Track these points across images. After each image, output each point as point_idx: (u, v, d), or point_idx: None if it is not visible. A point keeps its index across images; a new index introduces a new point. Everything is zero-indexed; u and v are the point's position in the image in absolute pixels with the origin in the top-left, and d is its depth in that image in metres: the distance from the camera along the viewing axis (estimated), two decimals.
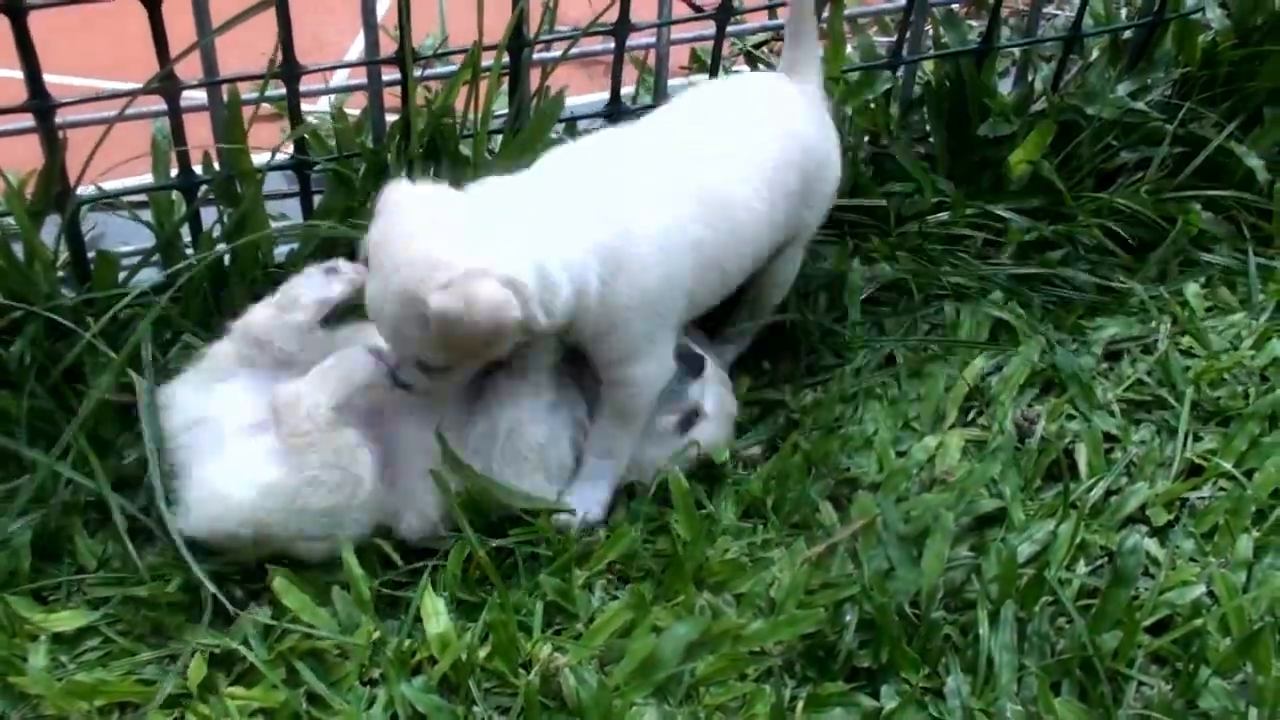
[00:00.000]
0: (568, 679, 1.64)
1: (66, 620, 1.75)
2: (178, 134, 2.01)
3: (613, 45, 2.28)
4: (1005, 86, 2.60)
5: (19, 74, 1.85)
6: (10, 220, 1.96)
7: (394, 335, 1.71)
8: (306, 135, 2.15)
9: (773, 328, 2.20)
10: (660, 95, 2.38)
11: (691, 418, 1.97)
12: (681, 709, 1.65)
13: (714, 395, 2.01)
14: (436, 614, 1.73)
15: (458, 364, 1.73)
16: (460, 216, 1.69)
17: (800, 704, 1.65)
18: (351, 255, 1.90)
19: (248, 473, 1.74)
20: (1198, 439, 2.09)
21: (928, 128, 2.52)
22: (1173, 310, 2.34)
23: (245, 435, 1.77)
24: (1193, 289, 2.39)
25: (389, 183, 1.74)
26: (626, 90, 2.41)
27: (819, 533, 1.90)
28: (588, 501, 1.90)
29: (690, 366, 1.96)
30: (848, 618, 1.73)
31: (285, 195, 2.16)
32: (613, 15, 2.24)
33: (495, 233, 1.67)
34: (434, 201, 1.72)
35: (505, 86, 2.21)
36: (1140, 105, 2.51)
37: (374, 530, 1.82)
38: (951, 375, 2.19)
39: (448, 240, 1.65)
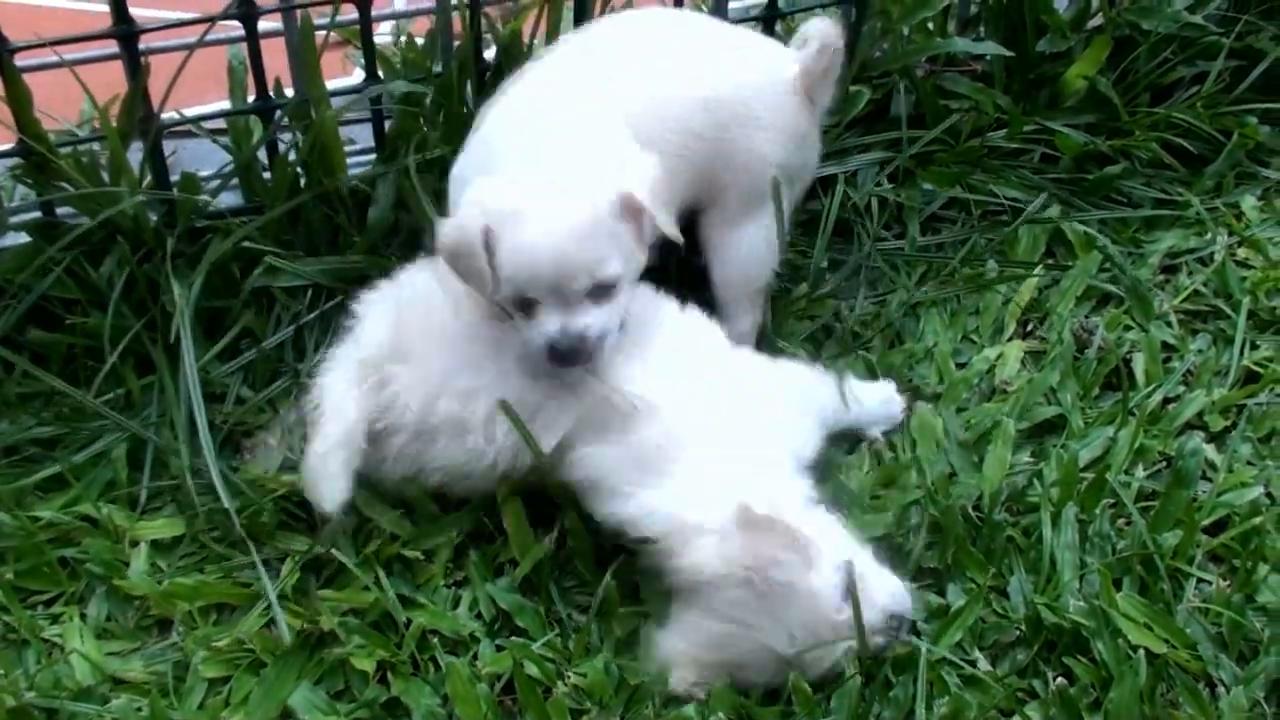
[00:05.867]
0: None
1: (163, 528, 1.84)
2: (255, 60, 2.06)
3: None
4: (1062, 3, 2.59)
5: (103, 6, 1.92)
6: (95, 146, 2.02)
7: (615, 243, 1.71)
8: (377, 61, 2.18)
9: (835, 246, 2.24)
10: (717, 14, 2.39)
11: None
12: None
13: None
14: (517, 516, 1.79)
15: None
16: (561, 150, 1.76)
17: None
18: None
19: None
20: (1254, 347, 2.12)
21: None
22: (1229, 222, 2.37)
23: None
24: (1249, 201, 2.41)
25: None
26: None
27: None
28: None
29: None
30: (914, 520, 1.79)
31: (356, 121, 2.21)
32: None
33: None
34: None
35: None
36: (1197, 19, 2.51)
37: None
38: (1011, 288, 2.22)
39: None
